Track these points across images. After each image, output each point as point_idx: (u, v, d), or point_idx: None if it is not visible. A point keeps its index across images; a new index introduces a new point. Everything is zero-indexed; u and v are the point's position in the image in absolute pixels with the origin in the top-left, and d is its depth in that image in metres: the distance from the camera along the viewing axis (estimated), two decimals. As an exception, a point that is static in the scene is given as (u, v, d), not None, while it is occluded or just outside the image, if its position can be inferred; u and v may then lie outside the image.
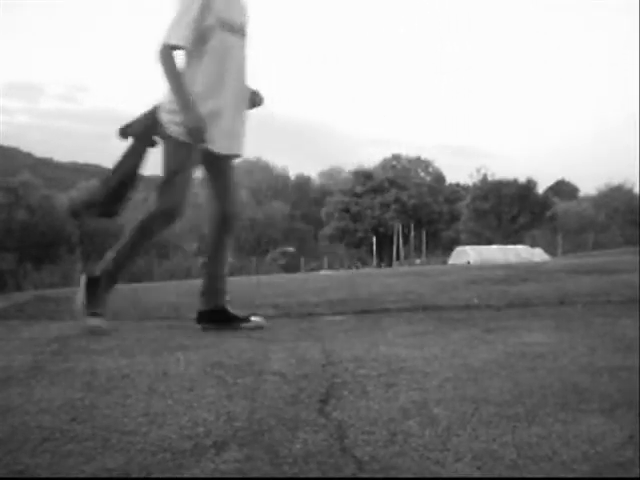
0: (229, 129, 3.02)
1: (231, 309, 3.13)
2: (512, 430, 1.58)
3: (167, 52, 2.89)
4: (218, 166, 3.11)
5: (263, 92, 3.24)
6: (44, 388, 2.00)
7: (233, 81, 3.01)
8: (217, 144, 2.98)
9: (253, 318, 3.14)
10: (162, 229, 3.06)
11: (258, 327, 3.07)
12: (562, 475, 1.34)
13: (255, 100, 3.22)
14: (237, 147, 3.11)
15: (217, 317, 3.09)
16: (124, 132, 3.09)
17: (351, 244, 48.25)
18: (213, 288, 3.13)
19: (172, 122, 2.93)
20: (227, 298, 3.15)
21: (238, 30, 3.04)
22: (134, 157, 3.10)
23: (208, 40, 2.93)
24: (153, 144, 3.07)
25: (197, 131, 2.87)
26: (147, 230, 3.03)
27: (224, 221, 3.15)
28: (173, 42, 2.88)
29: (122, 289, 4.81)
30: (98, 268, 3.02)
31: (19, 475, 1.36)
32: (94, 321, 2.92)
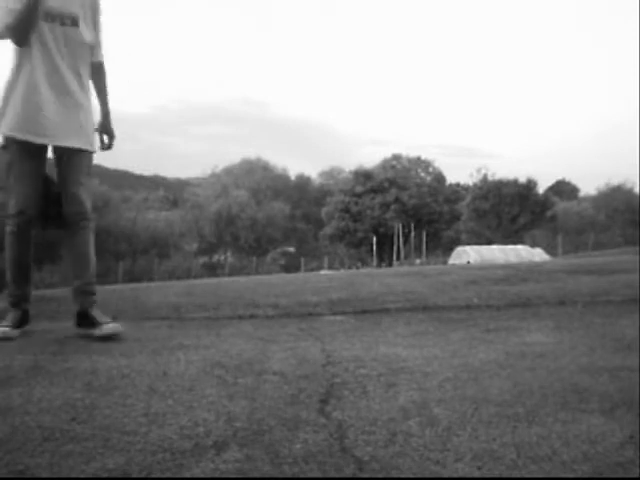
0: (49, 120, 2.92)
1: (96, 313, 2.94)
2: (512, 430, 1.59)
3: None
4: (59, 160, 3.03)
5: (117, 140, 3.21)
6: (44, 388, 1.99)
7: (55, 73, 2.92)
8: (33, 135, 2.90)
9: (109, 325, 2.88)
10: (26, 230, 2.97)
11: (109, 336, 2.83)
12: (562, 475, 1.34)
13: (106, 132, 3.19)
14: (64, 139, 2.97)
15: (81, 320, 2.97)
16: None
17: (351, 244, 48.25)
18: (79, 292, 3.00)
19: None
20: (93, 300, 2.99)
21: (64, 19, 2.92)
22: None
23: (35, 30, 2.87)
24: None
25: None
26: (15, 237, 2.96)
27: (69, 224, 3.02)
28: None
29: (122, 289, 4.81)
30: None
31: (19, 475, 1.37)
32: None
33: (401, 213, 47.98)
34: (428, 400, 1.84)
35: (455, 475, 1.35)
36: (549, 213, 41.53)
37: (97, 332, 2.86)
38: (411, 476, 1.35)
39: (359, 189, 49.06)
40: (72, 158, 3.00)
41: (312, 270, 31.85)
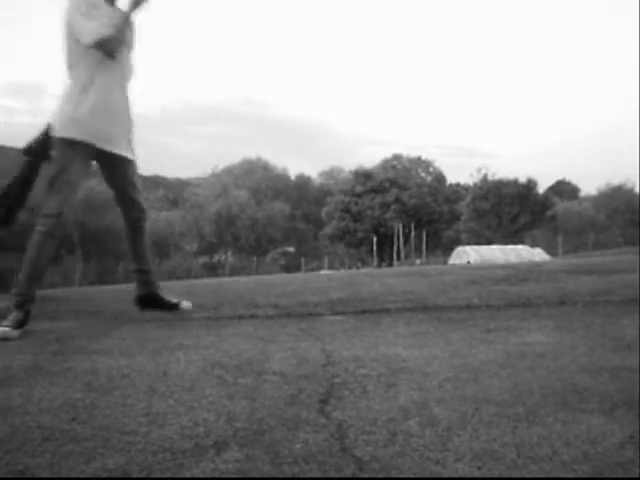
0: (121, 132, 3.19)
1: (164, 296, 3.55)
2: (512, 430, 1.58)
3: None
4: (114, 170, 3.27)
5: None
6: (44, 388, 2.00)
7: (118, 89, 3.18)
8: (101, 142, 3.11)
9: (184, 304, 3.56)
10: (56, 233, 3.08)
11: (187, 310, 3.54)
12: (562, 475, 1.34)
13: None
14: (124, 149, 3.24)
15: (150, 301, 3.50)
16: (28, 151, 3.23)
17: (351, 244, 48.26)
18: (143, 280, 3.50)
19: (59, 118, 3.06)
20: (158, 286, 3.58)
21: (126, 42, 3.22)
22: (30, 171, 3.25)
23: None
24: (48, 158, 3.17)
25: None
26: (44, 237, 3.05)
27: (130, 225, 3.39)
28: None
29: (122, 289, 4.80)
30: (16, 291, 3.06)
31: (19, 475, 1.37)
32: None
33: (401, 213, 47.99)
34: (428, 400, 1.84)
35: (455, 475, 1.35)
36: (549, 213, 41.56)
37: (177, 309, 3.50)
38: (411, 476, 1.35)
39: (359, 189, 49.07)
40: (128, 168, 3.28)
41: (312, 270, 31.86)
